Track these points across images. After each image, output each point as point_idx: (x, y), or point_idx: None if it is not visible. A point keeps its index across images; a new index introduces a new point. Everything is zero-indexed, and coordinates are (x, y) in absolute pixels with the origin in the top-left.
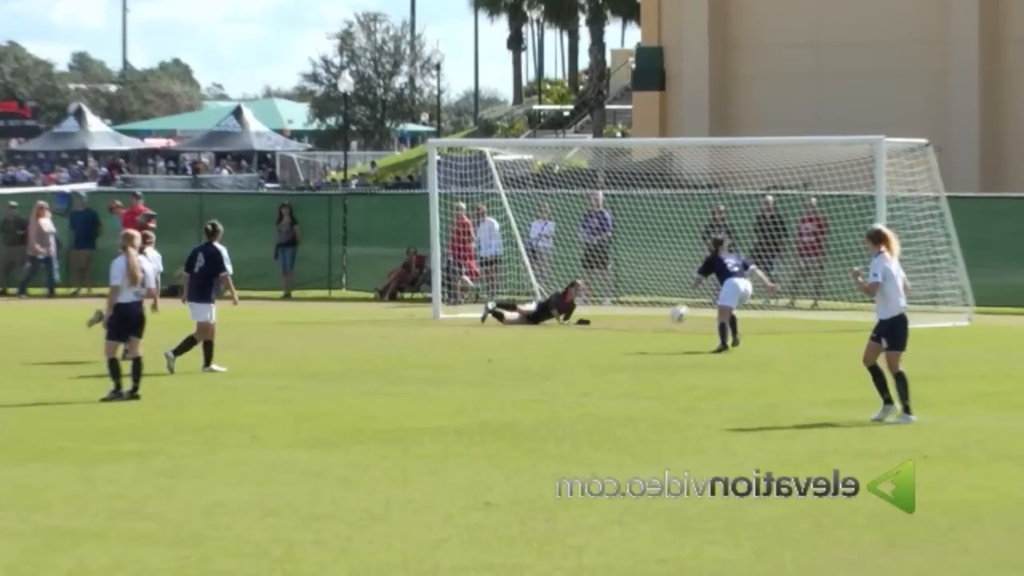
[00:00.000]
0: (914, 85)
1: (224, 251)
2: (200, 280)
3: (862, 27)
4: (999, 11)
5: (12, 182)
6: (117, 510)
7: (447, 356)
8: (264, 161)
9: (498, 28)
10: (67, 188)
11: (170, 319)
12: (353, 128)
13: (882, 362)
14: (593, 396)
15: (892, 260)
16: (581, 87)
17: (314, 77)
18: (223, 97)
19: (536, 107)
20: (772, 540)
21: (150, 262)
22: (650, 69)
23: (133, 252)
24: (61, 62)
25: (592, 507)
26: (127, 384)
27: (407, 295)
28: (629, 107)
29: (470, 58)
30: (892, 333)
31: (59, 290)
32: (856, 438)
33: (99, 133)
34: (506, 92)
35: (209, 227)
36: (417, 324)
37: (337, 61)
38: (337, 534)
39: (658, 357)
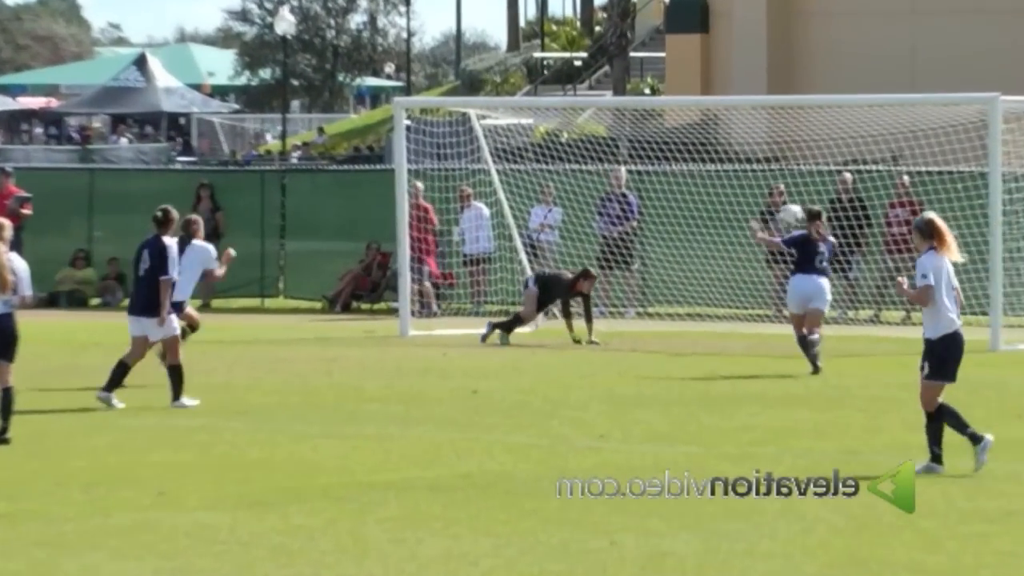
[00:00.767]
0: None
1: (173, 247)
2: (147, 287)
3: None
4: None
5: None
6: None
7: (418, 386)
8: (176, 127)
9: None
10: None
11: (47, 336)
12: (295, 83)
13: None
14: (612, 440)
15: (945, 261)
16: (597, 28)
17: (242, 15)
18: (121, 42)
19: (537, 55)
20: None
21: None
22: (689, 3)
23: (2, 248)
24: None
25: None
26: None
27: (365, 305)
28: (661, 55)
29: None
30: (939, 357)
31: None
32: (960, 493)
33: None
34: (498, 36)
35: (159, 214)
36: (379, 344)
37: None
38: None
39: (698, 386)
